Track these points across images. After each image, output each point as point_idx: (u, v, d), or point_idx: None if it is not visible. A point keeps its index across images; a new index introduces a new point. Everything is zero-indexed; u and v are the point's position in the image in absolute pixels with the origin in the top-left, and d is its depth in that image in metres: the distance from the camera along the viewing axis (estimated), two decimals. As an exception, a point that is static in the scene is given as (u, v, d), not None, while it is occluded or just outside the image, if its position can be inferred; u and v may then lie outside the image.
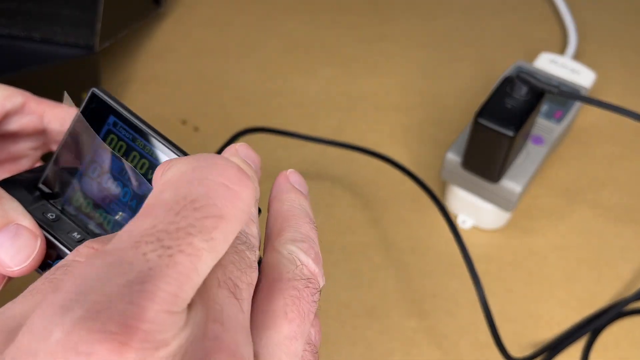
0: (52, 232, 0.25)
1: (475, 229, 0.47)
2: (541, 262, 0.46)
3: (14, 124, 0.31)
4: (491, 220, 0.46)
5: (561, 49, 0.61)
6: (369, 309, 0.43)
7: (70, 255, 0.19)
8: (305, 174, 0.50)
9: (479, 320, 0.42)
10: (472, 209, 0.46)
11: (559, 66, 0.52)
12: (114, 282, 0.15)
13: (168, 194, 0.17)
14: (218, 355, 0.16)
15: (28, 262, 0.25)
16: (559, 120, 0.47)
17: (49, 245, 0.25)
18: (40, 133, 0.32)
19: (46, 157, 0.33)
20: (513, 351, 0.41)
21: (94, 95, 0.26)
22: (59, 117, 0.31)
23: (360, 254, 0.46)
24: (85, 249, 0.19)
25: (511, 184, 0.43)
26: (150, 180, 0.25)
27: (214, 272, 0.18)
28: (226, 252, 0.18)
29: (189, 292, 0.15)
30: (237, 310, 0.18)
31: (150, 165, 0.25)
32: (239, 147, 0.24)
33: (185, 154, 0.24)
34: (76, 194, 0.26)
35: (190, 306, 0.16)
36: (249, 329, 0.18)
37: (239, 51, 0.61)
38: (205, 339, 0.16)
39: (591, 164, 0.52)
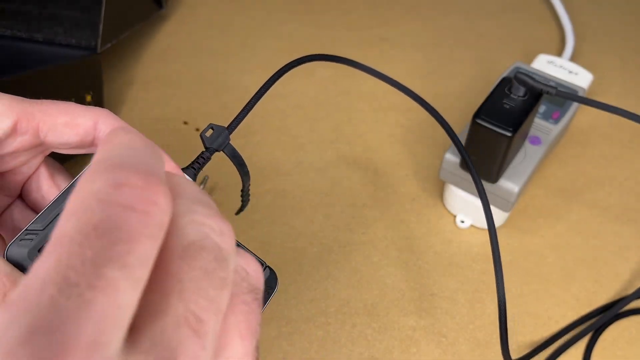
0: None
1: (473, 228, 0.48)
2: (539, 261, 0.46)
3: (7, 148, 0.27)
4: (489, 220, 0.47)
5: (559, 51, 0.62)
6: (368, 307, 0.43)
7: None
8: (305, 174, 0.51)
9: (478, 319, 0.43)
10: (471, 209, 0.47)
11: (556, 67, 0.53)
12: (16, 339, 0.13)
13: (70, 224, 0.15)
14: None
15: None
16: (557, 120, 0.48)
17: None
18: (38, 145, 0.29)
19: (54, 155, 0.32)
20: (510, 350, 0.41)
21: None
22: (55, 130, 0.28)
23: (360, 253, 0.46)
24: None
25: (509, 184, 0.43)
26: None
27: (174, 308, 0.16)
28: (190, 279, 0.16)
29: (114, 333, 0.14)
30: (198, 349, 0.16)
31: None
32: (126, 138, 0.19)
33: None
34: None
35: (130, 348, 0.14)
36: None
37: (240, 52, 0.61)
38: None
39: (589, 164, 0.52)
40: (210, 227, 0.18)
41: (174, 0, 0.66)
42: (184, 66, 0.60)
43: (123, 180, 0.16)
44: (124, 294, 0.14)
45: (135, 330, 0.15)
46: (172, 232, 0.17)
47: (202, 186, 0.48)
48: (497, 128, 0.40)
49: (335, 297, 0.44)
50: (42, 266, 0.14)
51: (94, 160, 0.17)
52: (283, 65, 0.35)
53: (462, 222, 0.48)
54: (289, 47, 0.62)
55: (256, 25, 0.64)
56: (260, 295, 0.19)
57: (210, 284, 0.17)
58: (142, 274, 0.15)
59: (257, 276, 0.19)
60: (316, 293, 0.44)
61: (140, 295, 0.15)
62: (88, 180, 0.16)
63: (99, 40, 0.50)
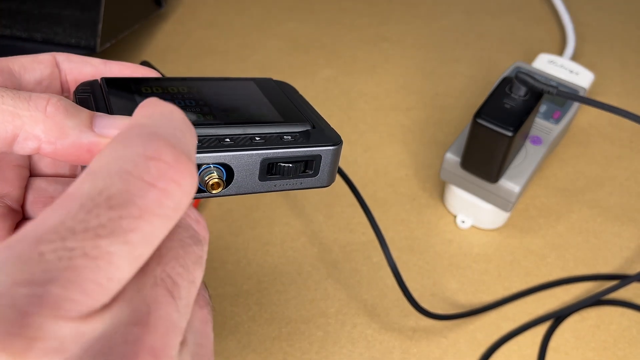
0: None
1: (474, 228, 0.48)
2: (539, 261, 0.46)
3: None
4: (490, 220, 0.47)
5: (560, 50, 0.62)
6: (368, 308, 0.43)
7: None
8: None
9: (478, 320, 0.42)
10: (471, 209, 0.46)
11: (557, 67, 0.53)
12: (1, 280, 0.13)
13: (86, 186, 0.15)
14: (136, 359, 0.15)
15: None
16: (558, 120, 0.48)
17: None
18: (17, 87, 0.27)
19: None
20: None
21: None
22: (25, 68, 0.26)
23: (360, 253, 0.46)
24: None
25: (510, 184, 0.43)
26: None
27: (152, 269, 0.17)
28: (169, 248, 0.17)
29: (96, 298, 0.14)
30: (172, 310, 0.17)
31: None
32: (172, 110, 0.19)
33: None
34: None
35: (107, 308, 0.15)
36: (184, 328, 0.17)
37: (239, 52, 0.61)
38: (123, 343, 0.15)
39: (589, 164, 0.52)
40: (187, 213, 0.19)
41: (173, 0, 0.65)
42: (183, 65, 0.60)
43: (153, 153, 0.16)
44: (117, 269, 0.14)
45: None
46: None
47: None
48: (497, 128, 0.40)
49: (335, 298, 0.43)
50: (44, 221, 0.14)
51: (131, 122, 0.17)
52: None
53: (463, 222, 0.47)
54: (289, 46, 0.62)
55: (255, 24, 0.64)
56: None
57: (186, 255, 0.18)
58: (143, 251, 0.15)
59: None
60: (316, 293, 0.44)
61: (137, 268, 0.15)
62: (119, 142, 0.16)
63: (98, 40, 0.50)
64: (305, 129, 0.27)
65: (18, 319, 0.13)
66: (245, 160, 0.25)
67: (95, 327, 0.14)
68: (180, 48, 0.61)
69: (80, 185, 0.15)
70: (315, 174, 0.27)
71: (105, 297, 0.15)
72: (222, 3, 0.66)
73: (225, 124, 0.26)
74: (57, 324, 0.13)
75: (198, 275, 0.18)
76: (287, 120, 0.27)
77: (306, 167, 0.27)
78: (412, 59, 0.61)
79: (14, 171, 0.26)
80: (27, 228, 0.15)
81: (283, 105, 0.29)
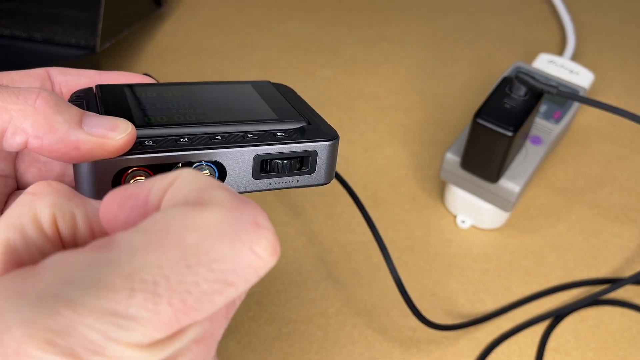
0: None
1: (474, 228, 0.48)
2: (540, 261, 0.46)
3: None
4: (490, 220, 0.47)
5: (560, 50, 0.62)
6: (368, 308, 0.43)
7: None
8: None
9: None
10: (471, 209, 0.46)
11: (557, 67, 0.53)
12: (90, 302, 0.14)
13: (193, 239, 0.15)
14: None
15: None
16: (558, 120, 0.48)
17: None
18: None
19: None
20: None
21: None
22: (14, 82, 0.26)
23: (360, 253, 0.46)
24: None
25: (510, 184, 0.43)
26: None
27: None
28: None
29: (164, 334, 0.15)
30: (222, 329, 0.18)
31: None
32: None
33: None
34: None
35: (181, 332, 0.16)
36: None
37: (239, 51, 0.61)
38: (181, 356, 0.16)
39: (589, 164, 0.52)
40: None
41: (173, 0, 0.65)
42: (183, 65, 0.59)
43: (263, 223, 0.16)
44: (190, 319, 0.15)
45: None
46: None
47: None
48: (497, 128, 0.40)
49: (335, 298, 0.43)
50: (145, 254, 0.15)
51: (213, 183, 0.17)
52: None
53: (463, 222, 0.47)
54: (288, 46, 0.62)
55: (255, 24, 0.64)
56: None
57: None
58: (217, 308, 0.16)
59: None
60: (316, 293, 0.44)
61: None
62: (231, 202, 0.16)
63: (98, 40, 0.50)
64: (300, 125, 0.26)
65: (101, 341, 0.14)
66: (237, 157, 0.24)
67: (168, 348, 0.15)
68: (180, 48, 0.61)
69: (187, 233, 0.15)
70: (312, 170, 0.26)
71: (169, 333, 0.15)
72: (222, 3, 0.66)
73: (217, 122, 0.25)
74: (134, 352, 0.14)
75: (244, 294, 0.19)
76: (281, 118, 0.27)
77: (302, 164, 0.26)
78: (412, 58, 0.61)
79: None
80: (122, 250, 0.15)
81: (279, 104, 0.28)
